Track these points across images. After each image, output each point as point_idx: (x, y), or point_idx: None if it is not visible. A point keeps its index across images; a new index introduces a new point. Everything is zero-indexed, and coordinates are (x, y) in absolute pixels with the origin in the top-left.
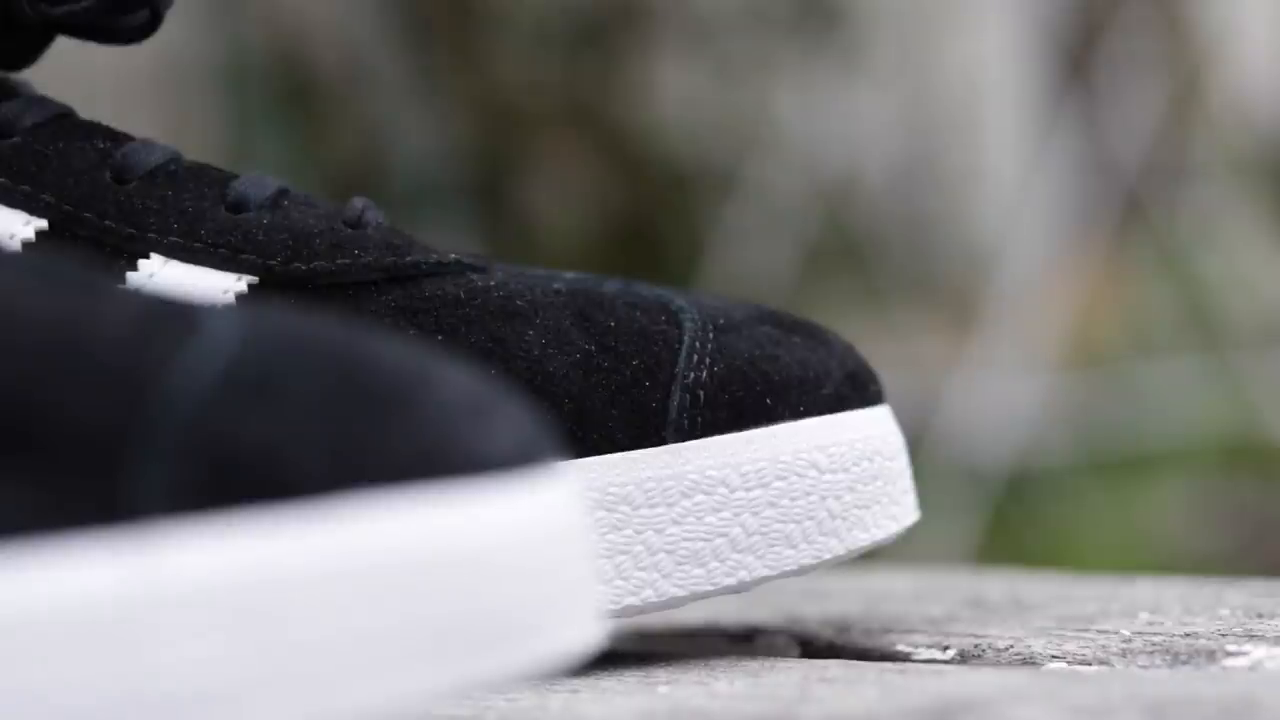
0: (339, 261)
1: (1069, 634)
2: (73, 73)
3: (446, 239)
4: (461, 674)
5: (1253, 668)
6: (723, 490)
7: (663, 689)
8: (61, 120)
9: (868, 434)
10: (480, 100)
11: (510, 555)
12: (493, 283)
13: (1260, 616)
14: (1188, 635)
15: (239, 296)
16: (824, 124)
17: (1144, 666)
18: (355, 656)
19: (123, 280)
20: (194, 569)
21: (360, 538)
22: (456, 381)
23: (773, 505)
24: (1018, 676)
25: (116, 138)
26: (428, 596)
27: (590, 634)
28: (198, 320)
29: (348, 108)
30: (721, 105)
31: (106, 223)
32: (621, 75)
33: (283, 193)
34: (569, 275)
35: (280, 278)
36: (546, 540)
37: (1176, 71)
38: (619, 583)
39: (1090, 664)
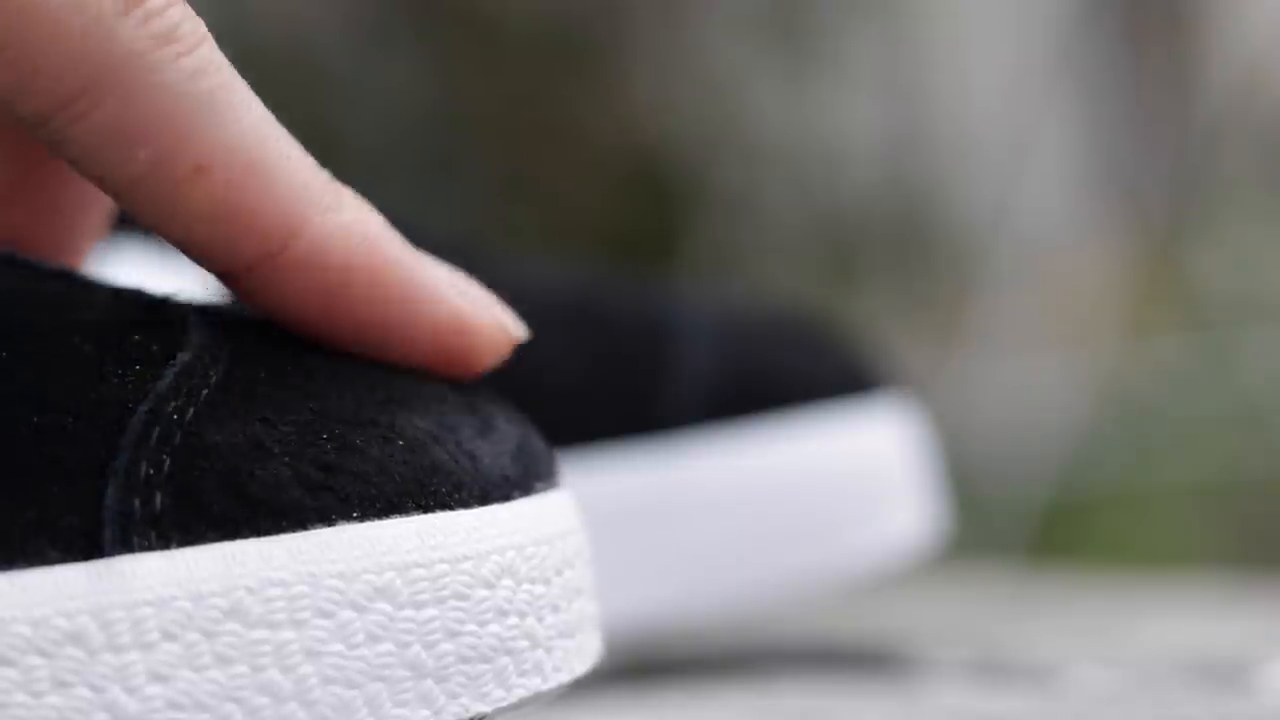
0: None
1: (1092, 645)
2: None
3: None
4: None
5: None
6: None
7: (672, 703)
8: None
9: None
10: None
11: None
12: (483, 278)
13: None
14: (1214, 648)
15: (213, 297)
16: (810, 124)
17: (1170, 682)
18: None
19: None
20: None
21: (339, 565)
22: (448, 398)
23: None
24: (1041, 695)
25: None
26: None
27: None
28: (179, 331)
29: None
30: (705, 114)
31: None
32: (601, 87)
33: None
34: (561, 273)
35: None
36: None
37: (1179, 44)
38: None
39: (1114, 678)
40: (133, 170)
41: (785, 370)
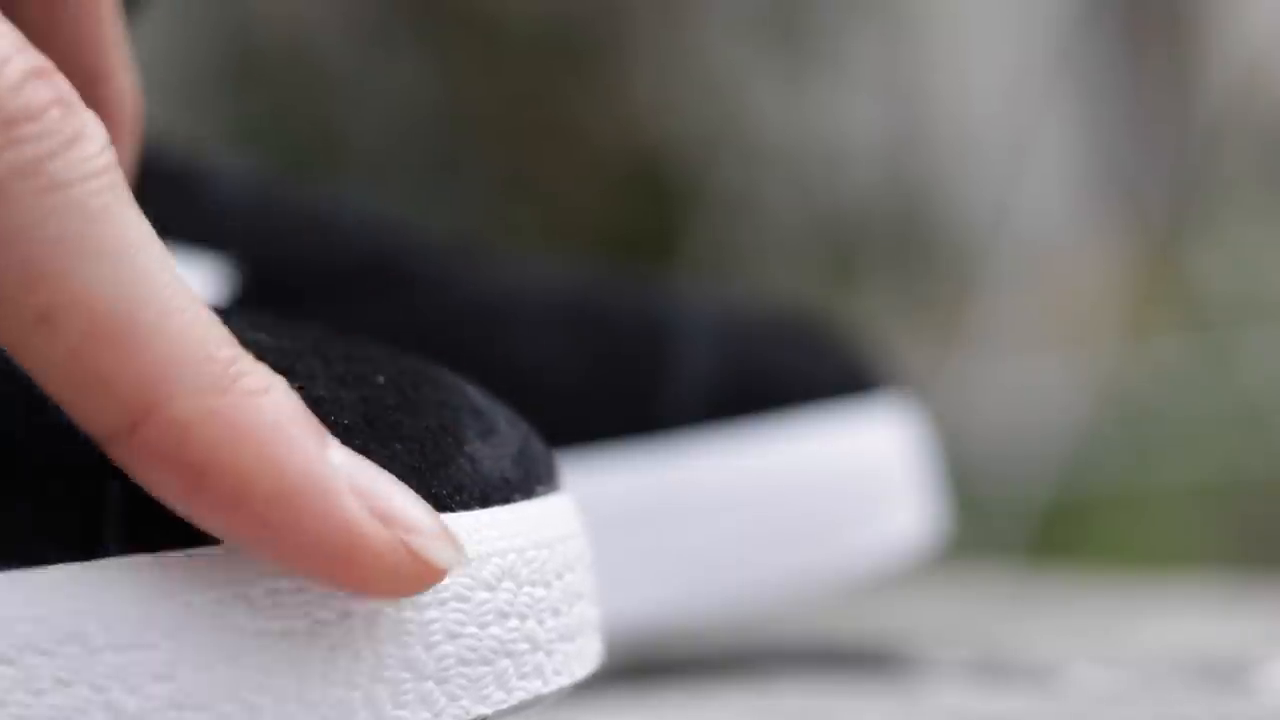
0: (322, 257)
1: (1092, 645)
2: None
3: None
4: None
5: None
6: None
7: (672, 703)
8: None
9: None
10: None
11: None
12: (484, 278)
13: None
14: (1214, 648)
15: (217, 298)
16: (810, 124)
17: (1170, 682)
18: None
19: None
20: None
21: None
22: (449, 402)
23: None
24: (1041, 695)
25: None
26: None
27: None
28: None
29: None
30: (705, 114)
31: None
32: (601, 87)
33: (263, 182)
34: (561, 273)
35: (259, 276)
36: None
37: (1179, 44)
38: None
39: (1114, 678)
40: None
41: (785, 370)
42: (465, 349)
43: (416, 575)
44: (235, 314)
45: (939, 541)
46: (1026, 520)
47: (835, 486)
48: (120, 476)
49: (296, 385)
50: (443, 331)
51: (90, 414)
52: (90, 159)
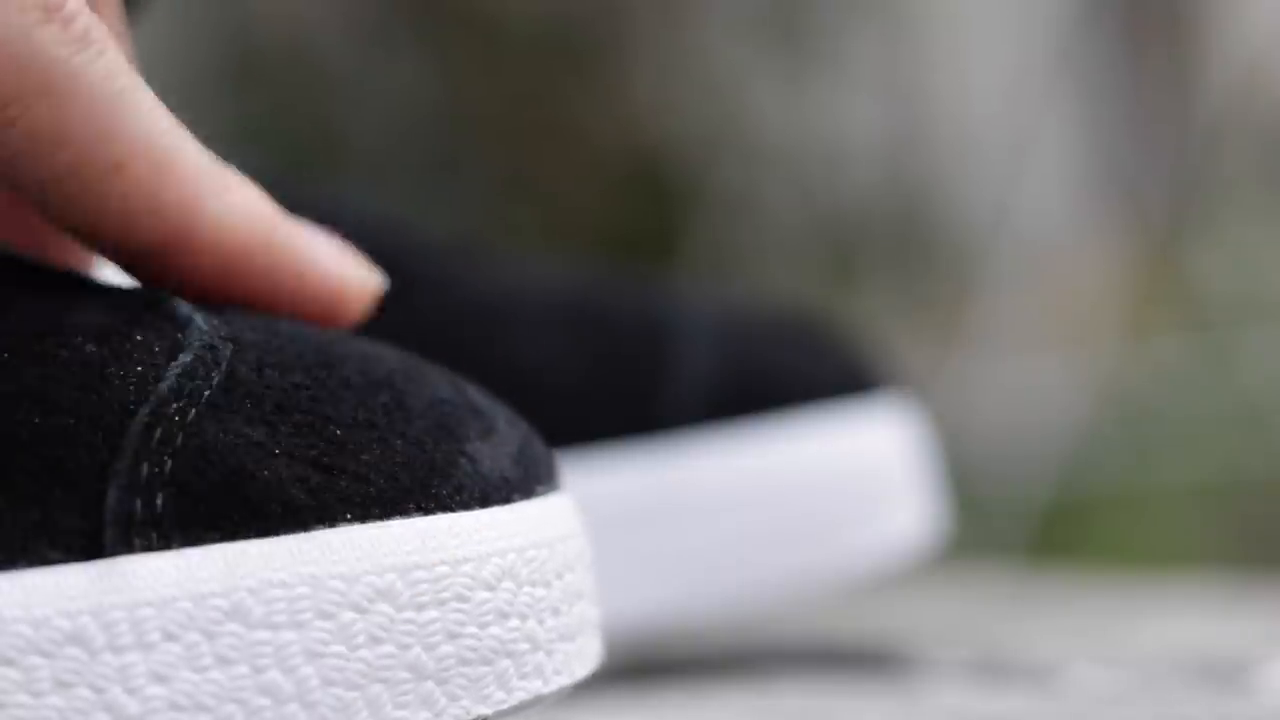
0: None
1: (1092, 645)
2: None
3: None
4: None
5: None
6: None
7: (672, 703)
8: None
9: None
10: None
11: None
12: (484, 278)
13: None
14: (1215, 648)
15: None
16: (810, 124)
17: (1170, 682)
18: None
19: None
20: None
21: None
22: (450, 401)
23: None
24: (1041, 695)
25: None
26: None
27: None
28: (180, 331)
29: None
30: (705, 114)
31: None
32: (601, 87)
33: (263, 182)
34: (561, 273)
35: None
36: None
37: (1179, 44)
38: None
39: (1115, 678)
40: (52, 172)
41: (785, 370)
42: (465, 349)
43: (373, 295)
44: (235, 313)
45: (939, 541)
46: (1026, 520)
47: (835, 486)
48: (118, 478)
49: (296, 383)
50: (443, 331)
51: (150, 234)
52: (108, 29)
